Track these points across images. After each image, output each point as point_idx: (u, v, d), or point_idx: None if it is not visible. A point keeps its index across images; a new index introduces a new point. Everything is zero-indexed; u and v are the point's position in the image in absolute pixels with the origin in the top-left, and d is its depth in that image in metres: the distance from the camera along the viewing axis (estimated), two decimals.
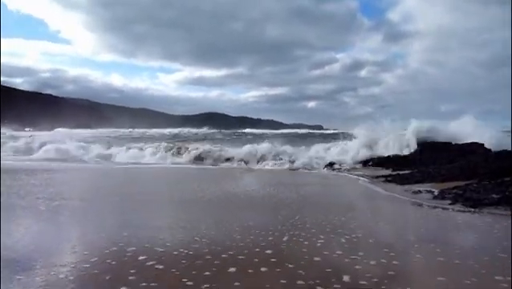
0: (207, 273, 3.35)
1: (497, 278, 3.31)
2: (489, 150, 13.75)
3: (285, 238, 4.50)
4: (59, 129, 57.89)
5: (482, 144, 15.65)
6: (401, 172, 11.19)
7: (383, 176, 10.55)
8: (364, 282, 3.18)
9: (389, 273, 3.42)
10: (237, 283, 3.13)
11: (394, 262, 3.69)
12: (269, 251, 3.98)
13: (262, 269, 3.47)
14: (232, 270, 3.44)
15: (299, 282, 3.17)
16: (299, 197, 7.59)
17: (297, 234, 4.67)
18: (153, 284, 3.08)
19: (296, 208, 6.37)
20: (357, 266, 3.58)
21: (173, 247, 4.07)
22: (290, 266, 3.55)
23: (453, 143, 16.65)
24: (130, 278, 3.20)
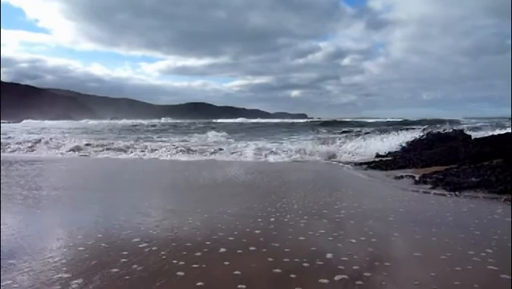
0: (198, 253, 3.42)
1: (469, 252, 3.52)
2: (469, 136, 14.11)
3: (272, 219, 4.64)
4: (28, 120, 57.03)
5: (462, 130, 16.09)
6: (384, 159, 11.39)
7: (366, 162, 10.70)
8: (346, 259, 3.33)
9: (369, 250, 3.59)
10: (226, 263, 3.21)
11: (373, 240, 3.87)
12: (257, 231, 4.12)
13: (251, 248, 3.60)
14: (222, 250, 3.53)
15: (285, 259, 3.28)
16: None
17: (283, 216, 4.83)
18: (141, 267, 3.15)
19: (281, 192, 6.46)
20: (339, 244, 3.74)
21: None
22: (276, 245, 3.68)
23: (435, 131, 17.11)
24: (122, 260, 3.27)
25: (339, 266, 3.13)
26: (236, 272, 3.02)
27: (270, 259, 3.29)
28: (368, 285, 2.82)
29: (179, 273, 3.00)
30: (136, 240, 3.79)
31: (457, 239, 3.93)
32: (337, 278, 2.91)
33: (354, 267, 3.12)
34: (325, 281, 2.86)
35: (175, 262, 3.23)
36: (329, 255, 3.39)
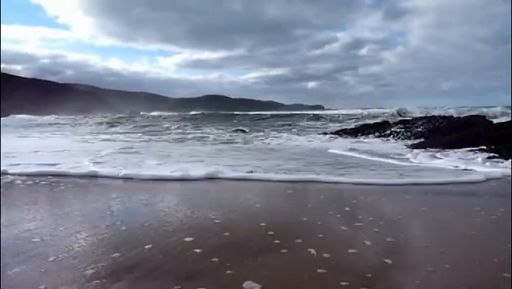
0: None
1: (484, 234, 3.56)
2: (491, 122, 13.93)
3: None
4: (15, 116, 57.09)
5: (484, 117, 15.87)
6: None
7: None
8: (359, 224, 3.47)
9: (370, 219, 3.79)
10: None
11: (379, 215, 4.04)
12: None
13: None
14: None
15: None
16: None
17: None
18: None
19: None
20: (357, 223, 3.95)
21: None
22: None
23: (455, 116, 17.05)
24: None
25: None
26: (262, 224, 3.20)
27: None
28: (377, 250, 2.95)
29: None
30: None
31: (464, 217, 4.01)
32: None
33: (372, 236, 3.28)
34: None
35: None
36: (344, 227, 3.55)
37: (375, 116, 26.34)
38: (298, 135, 17.13)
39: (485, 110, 23.06)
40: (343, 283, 2.31)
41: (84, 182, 5.82)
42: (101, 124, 29.86)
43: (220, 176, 5.97)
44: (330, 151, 9.87)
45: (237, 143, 13.29)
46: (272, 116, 37.60)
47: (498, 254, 2.80)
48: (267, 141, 13.92)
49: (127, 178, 6.00)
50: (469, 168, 6.75)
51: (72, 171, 6.42)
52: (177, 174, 6.03)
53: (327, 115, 33.69)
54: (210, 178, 5.91)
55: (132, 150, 10.14)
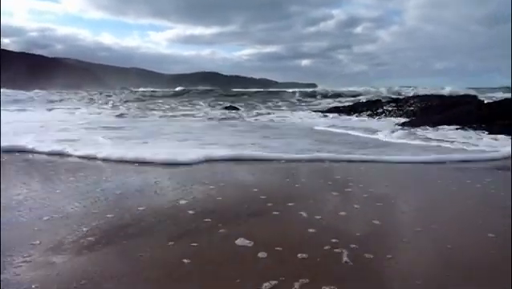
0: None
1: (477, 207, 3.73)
2: (482, 101, 14.04)
3: None
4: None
5: (475, 96, 15.99)
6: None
7: None
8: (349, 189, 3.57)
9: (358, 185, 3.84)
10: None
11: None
12: None
13: None
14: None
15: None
16: None
17: None
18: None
19: None
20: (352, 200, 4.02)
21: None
22: None
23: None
24: None
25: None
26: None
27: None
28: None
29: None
30: None
31: (454, 184, 4.14)
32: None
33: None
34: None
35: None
36: (335, 193, 3.62)
37: (367, 95, 26.48)
38: (290, 112, 17.16)
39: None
40: (333, 240, 2.38)
41: (57, 159, 5.43)
42: (91, 99, 29.36)
43: (212, 156, 5.37)
44: (327, 129, 9.81)
45: (228, 120, 13.12)
46: (264, 92, 37.41)
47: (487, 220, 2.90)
48: (259, 118, 13.82)
49: (109, 158, 5.29)
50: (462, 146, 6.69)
51: (43, 148, 5.86)
52: (164, 157, 5.25)
53: (318, 92, 33.71)
54: (205, 161, 5.23)
55: (118, 126, 9.80)
